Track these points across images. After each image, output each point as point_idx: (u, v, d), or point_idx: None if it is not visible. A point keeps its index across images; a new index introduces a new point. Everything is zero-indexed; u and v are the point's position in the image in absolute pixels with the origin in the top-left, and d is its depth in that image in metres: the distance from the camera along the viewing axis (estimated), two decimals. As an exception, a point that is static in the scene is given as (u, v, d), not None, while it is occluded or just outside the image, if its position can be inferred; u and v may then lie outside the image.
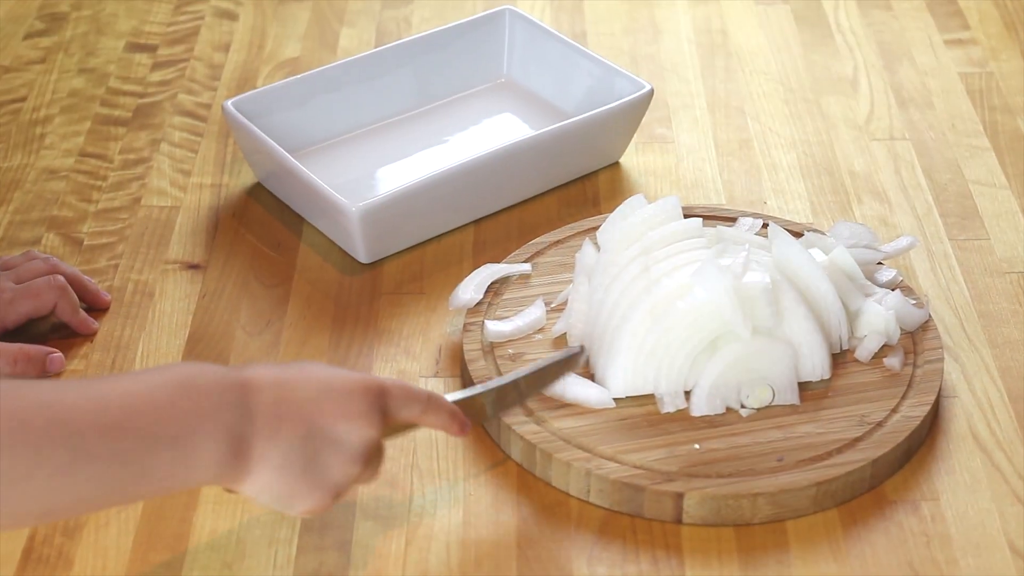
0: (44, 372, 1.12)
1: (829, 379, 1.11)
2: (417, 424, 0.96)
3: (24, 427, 0.80)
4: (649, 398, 1.09)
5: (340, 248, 1.27)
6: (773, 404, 1.09)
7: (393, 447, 1.05)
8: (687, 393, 1.09)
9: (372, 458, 0.92)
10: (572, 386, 1.08)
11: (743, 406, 1.09)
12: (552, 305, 1.18)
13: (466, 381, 1.12)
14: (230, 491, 0.91)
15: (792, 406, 1.09)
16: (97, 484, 0.82)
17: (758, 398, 1.08)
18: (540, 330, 1.16)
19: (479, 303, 1.18)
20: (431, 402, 0.94)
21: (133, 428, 0.83)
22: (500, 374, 1.10)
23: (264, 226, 1.28)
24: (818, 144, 1.40)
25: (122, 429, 0.83)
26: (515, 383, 1.04)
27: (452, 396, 1.01)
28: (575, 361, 1.08)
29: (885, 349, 1.14)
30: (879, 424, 1.07)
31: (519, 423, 1.06)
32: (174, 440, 0.84)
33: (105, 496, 0.85)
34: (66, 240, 1.27)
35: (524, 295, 1.20)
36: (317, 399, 0.88)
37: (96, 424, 0.82)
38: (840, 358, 1.13)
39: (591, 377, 1.10)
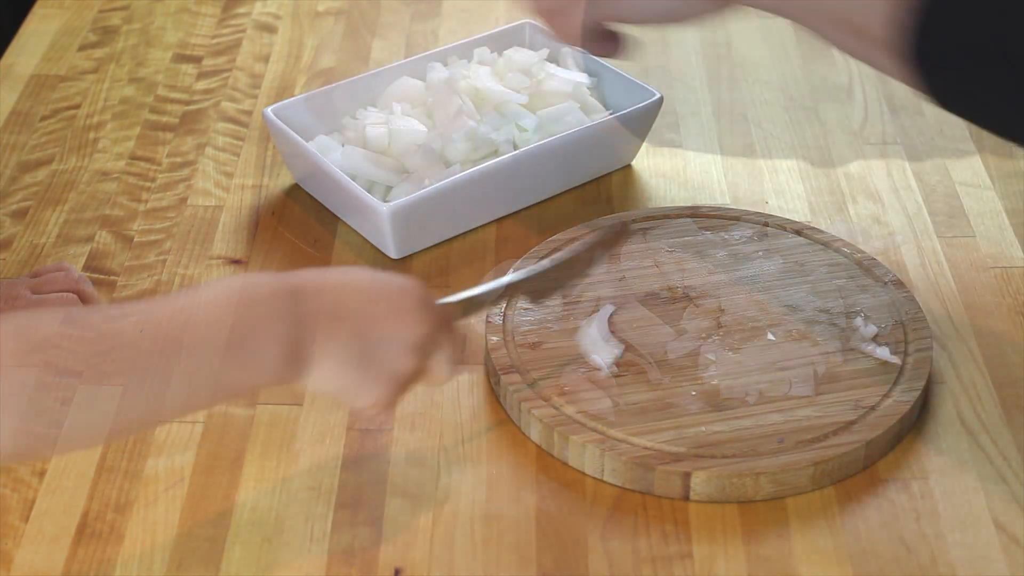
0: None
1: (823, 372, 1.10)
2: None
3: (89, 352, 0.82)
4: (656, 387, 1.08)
5: (372, 245, 1.26)
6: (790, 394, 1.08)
7: (423, 431, 1.07)
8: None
9: (427, 351, 0.92)
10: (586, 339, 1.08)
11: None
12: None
13: (489, 369, 1.11)
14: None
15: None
16: (161, 398, 0.85)
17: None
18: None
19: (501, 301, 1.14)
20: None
21: (193, 343, 0.85)
22: (520, 362, 1.08)
23: (301, 224, 1.26)
24: (816, 148, 1.39)
25: (181, 345, 0.84)
26: (547, 272, 1.06)
27: (492, 284, 1.01)
28: (615, 238, 1.10)
29: (879, 338, 1.13)
30: (872, 408, 1.06)
31: (538, 407, 1.05)
32: (233, 349, 0.85)
33: (176, 407, 0.87)
34: (117, 237, 1.27)
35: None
36: (367, 299, 0.90)
37: (155, 345, 0.84)
38: (838, 346, 1.12)
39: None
